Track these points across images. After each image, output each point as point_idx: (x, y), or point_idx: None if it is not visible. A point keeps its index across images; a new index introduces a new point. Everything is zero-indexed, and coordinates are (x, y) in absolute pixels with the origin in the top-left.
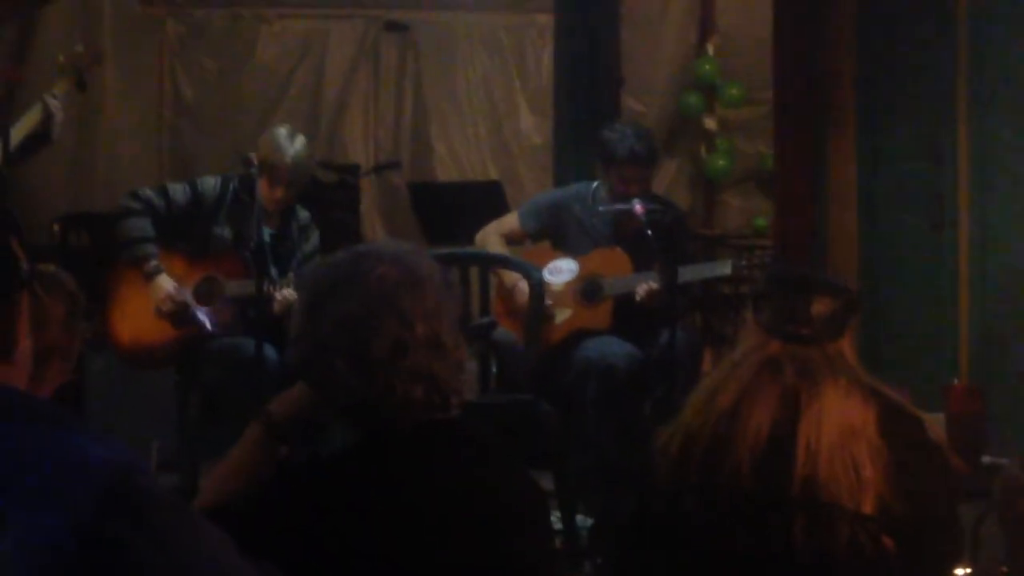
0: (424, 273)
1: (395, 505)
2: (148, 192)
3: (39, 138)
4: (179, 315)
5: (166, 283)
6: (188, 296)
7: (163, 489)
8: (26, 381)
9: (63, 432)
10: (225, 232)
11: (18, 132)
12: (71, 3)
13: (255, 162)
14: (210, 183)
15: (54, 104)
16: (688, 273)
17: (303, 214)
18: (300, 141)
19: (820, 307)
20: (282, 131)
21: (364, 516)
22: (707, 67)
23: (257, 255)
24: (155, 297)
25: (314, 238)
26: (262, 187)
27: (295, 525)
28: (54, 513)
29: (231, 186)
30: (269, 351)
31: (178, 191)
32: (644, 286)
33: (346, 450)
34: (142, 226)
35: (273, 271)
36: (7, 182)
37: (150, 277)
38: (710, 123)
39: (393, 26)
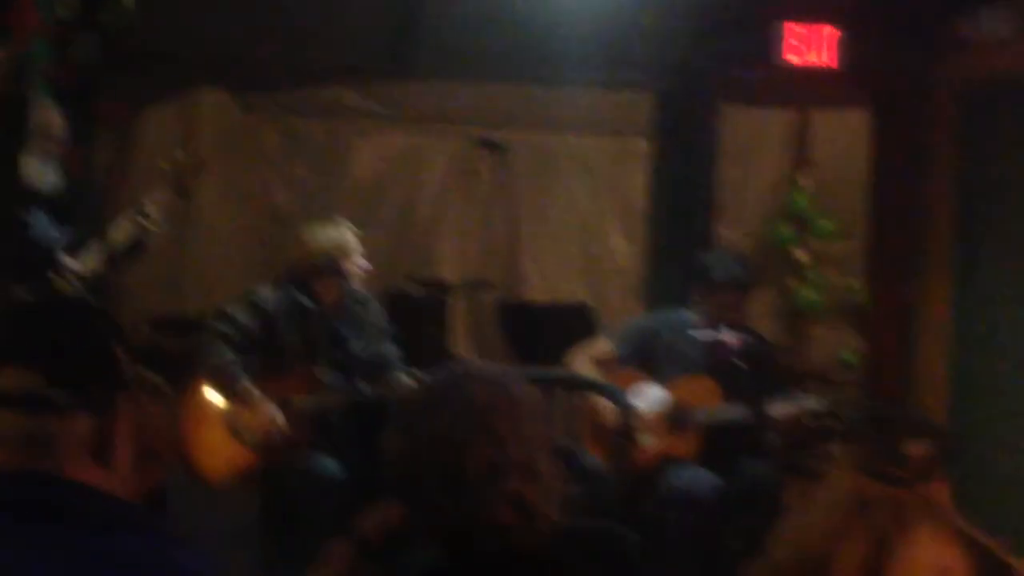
0: (519, 396)
1: None
2: (214, 322)
3: (136, 248)
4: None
5: (267, 409)
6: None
7: None
8: (122, 486)
9: (158, 542)
10: (292, 339)
11: (113, 238)
12: (170, 109)
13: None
14: (265, 293)
15: (140, 220)
16: (778, 406)
17: (360, 289)
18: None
19: (915, 449)
20: (315, 226)
21: None
22: (800, 199)
23: (336, 364)
24: (256, 421)
25: (375, 306)
26: (331, 279)
27: None
28: None
29: (286, 289)
30: (333, 465)
31: (239, 311)
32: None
33: (434, 570)
34: (223, 354)
35: (357, 382)
36: (102, 282)
37: (247, 401)
38: (801, 255)
39: (489, 144)
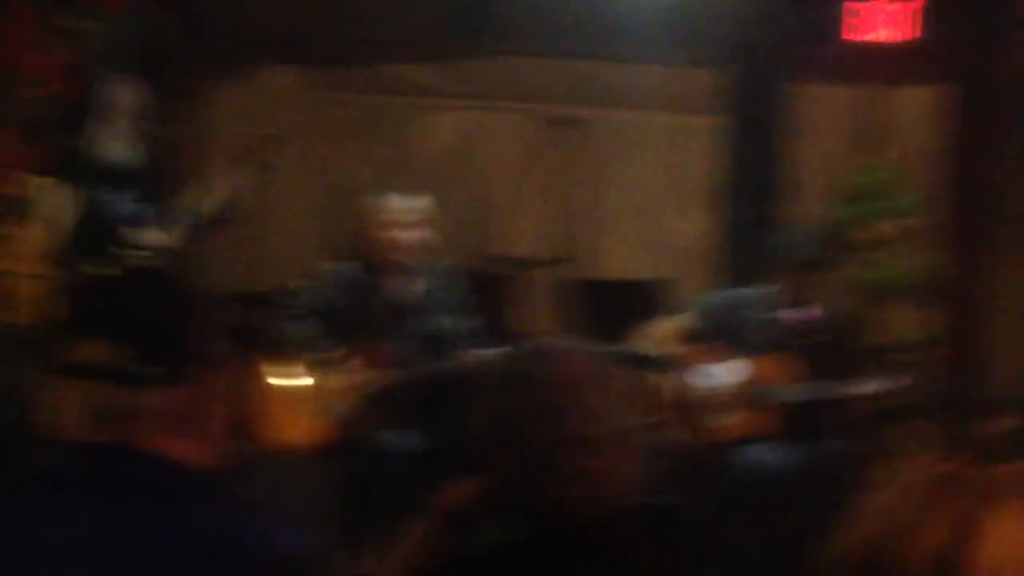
0: (600, 372)
1: None
2: (288, 299)
3: (220, 219)
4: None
5: (344, 382)
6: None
7: None
8: (203, 459)
9: (240, 514)
10: (366, 314)
11: (194, 213)
12: (244, 86)
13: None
14: (341, 269)
15: (242, 187)
16: (857, 385)
17: (439, 264)
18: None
19: (1000, 425)
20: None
21: None
22: (872, 176)
23: (412, 339)
24: (330, 396)
25: (452, 280)
26: (380, 249)
27: None
28: None
29: (357, 264)
30: (411, 440)
31: (312, 288)
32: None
33: (509, 545)
34: (297, 327)
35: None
36: (176, 258)
37: (321, 374)
38: (873, 233)
39: (558, 121)
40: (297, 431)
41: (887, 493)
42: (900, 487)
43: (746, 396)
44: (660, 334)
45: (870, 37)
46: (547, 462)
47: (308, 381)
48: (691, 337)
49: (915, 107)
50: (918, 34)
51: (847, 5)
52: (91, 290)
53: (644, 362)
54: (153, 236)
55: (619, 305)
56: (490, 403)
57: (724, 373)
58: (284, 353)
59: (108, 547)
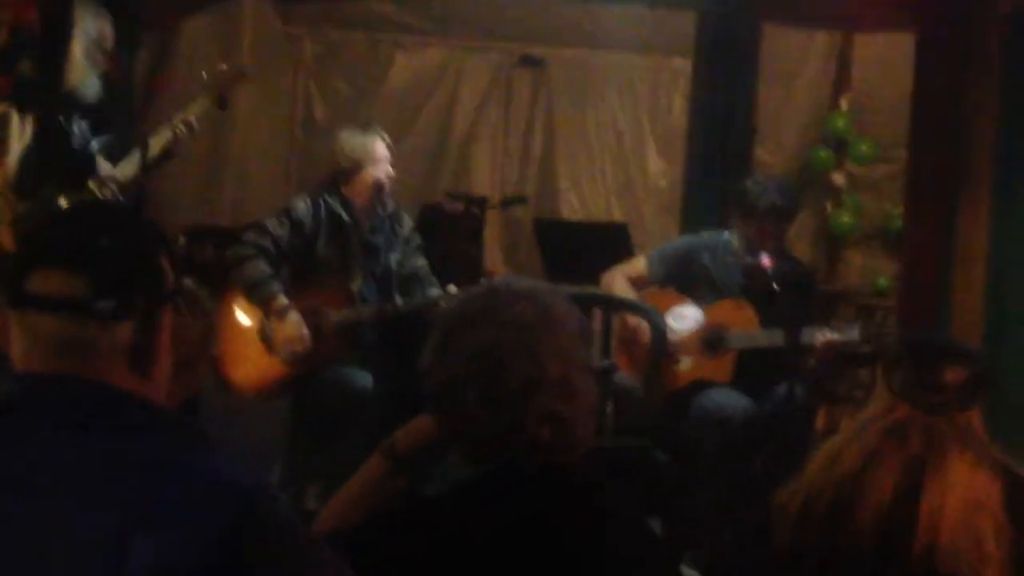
0: (560, 314)
1: (514, 546)
2: (251, 235)
3: (167, 155)
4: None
5: (300, 326)
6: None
7: (290, 515)
8: (162, 397)
9: (199, 452)
10: (327, 251)
11: (153, 147)
12: (211, 18)
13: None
14: (301, 206)
15: (181, 130)
16: (816, 334)
17: (394, 203)
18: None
19: (952, 376)
20: (346, 131)
21: (483, 554)
22: (839, 123)
23: (371, 277)
24: (286, 336)
25: (405, 220)
26: (359, 186)
27: (413, 558)
28: (186, 530)
29: (321, 201)
30: (366, 378)
31: (275, 224)
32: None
33: (469, 486)
34: (260, 268)
35: (395, 297)
36: (138, 190)
37: (281, 316)
38: (838, 179)
39: (528, 60)
40: (252, 368)
41: (839, 440)
42: (851, 434)
43: (701, 341)
44: (616, 277)
45: None
46: (513, 402)
47: (265, 318)
48: (648, 281)
49: (883, 53)
50: None
51: None
52: (47, 220)
53: (600, 304)
54: (110, 169)
55: (580, 247)
56: (456, 342)
57: (680, 318)
58: (242, 289)
59: (58, 478)
